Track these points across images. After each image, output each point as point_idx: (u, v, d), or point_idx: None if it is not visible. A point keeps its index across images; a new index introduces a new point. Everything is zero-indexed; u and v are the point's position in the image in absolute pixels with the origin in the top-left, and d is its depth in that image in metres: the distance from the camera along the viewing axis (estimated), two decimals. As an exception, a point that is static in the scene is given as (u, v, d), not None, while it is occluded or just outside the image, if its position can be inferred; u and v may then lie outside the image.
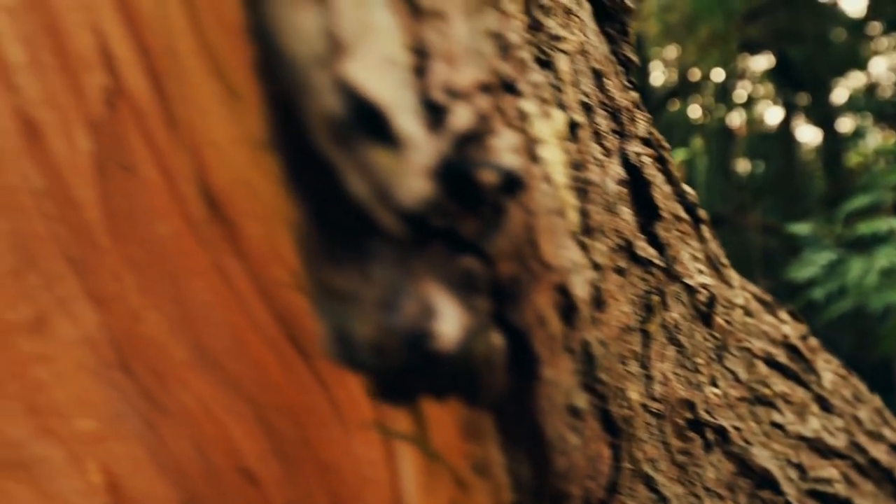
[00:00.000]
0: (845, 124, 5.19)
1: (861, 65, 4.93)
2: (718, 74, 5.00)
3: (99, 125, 0.28)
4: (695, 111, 5.41)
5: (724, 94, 5.40)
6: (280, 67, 0.19)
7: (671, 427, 0.46)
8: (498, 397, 0.26)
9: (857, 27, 4.90)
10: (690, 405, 0.49)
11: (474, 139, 0.24)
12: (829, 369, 0.75)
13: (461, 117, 0.23)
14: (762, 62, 5.42)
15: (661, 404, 0.45)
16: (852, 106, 4.99)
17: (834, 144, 5.36)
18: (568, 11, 0.44)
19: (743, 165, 5.64)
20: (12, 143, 0.27)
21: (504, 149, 0.25)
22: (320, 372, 0.31)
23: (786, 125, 5.65)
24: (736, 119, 5.53)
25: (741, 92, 5.54)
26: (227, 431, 0.31)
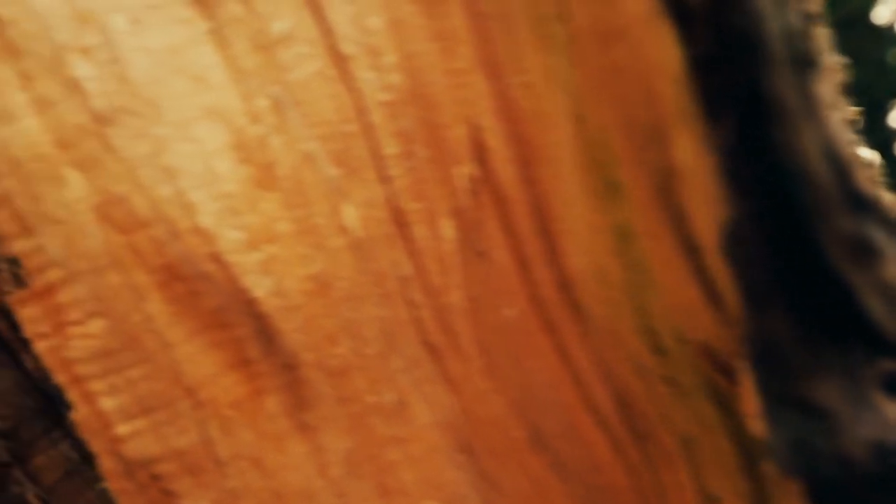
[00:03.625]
0: (905, 148, 5.08)
1: (921, 87, 4.83)
2: (772, 98, 4.94)
3: (461, 213, 0.29)
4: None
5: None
6: (798, 192, 0.19)
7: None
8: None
9: (916, 49, 4.82)
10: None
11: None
12: None
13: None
14: (817, 85, 5.34)
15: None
16: (912, 129, 4.89)
17: (892, 168, 5.26)
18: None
19: (797, 189, 5.54)
20: (384, 231, 0.28)
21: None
22: (651, 455, 0.31)
23: (842, 148, 5.55)
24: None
25: (795, 115, 5.46)
26: (559, 512, 0.31)
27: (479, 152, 0.28)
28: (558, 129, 0.27)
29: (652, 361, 0.30)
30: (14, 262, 0.56)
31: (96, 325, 0.28)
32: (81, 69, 0.26)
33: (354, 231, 0.28)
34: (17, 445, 0.55)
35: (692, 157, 0.23)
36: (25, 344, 0.56)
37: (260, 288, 0.28)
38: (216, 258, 0.28)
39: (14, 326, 0.57)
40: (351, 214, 0.28)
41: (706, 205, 0.24)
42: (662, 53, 0.23)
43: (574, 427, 0.31)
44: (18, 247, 0.28)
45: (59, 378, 0.29)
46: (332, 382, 0.29)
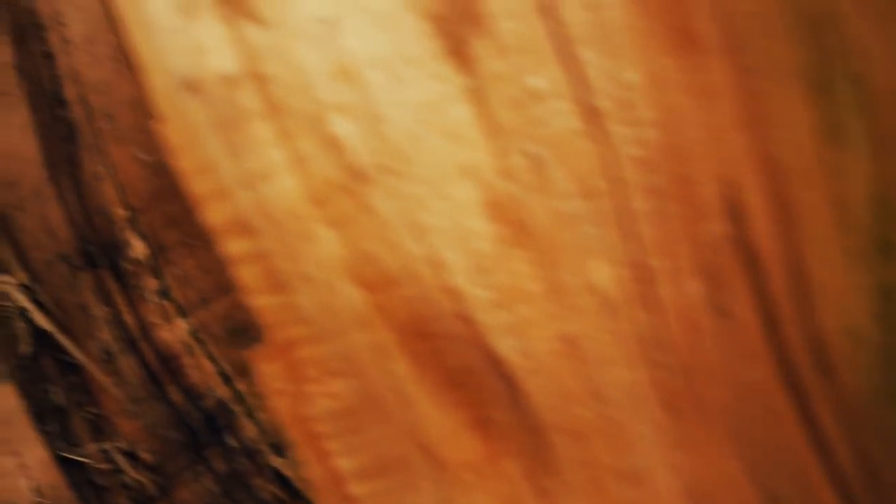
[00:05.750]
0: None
1: None
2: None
3: (709, 271, 0.28)
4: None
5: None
6: None
7: None
8: None
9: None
10: None
11: None
12: None
13: None
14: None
15: None
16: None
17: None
18: None
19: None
20: (630, 289, 0.27)
21: None
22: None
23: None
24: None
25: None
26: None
27: (734, 209, 0.27)
28: (822, 187, 0.26)
29: (906, 428, 0.28)
30: (166, 294, 0.57)
31: (339, 385, 0.28)
32: (340, 126, 0.26)
33: (603, 290, 0.27)
34: (162, 479, 0.56)
35: None
36: (174, 377, 0.56)
37: (507, 348, 0.27)
38: (464, 317, 0.27)
39: (163, 359, 0.57)
40: (600, 273, 0.27)
41: None
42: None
43: (812, 493, 0.30)
44: (260, 302, 0.28)
45: (294, 435, 0.28)
46: (575, 446, 0.28)
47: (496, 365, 0.27)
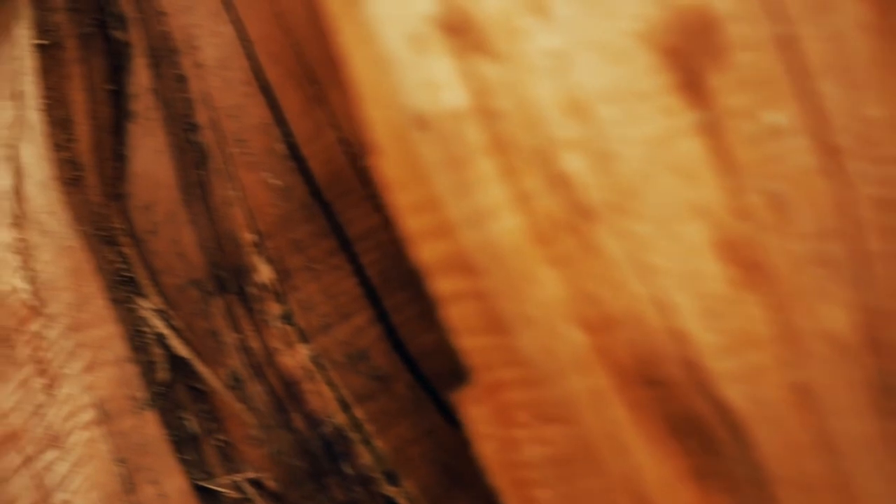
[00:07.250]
0: None
1: None
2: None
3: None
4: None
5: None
6: None
7: None
8: None
9: None
10: None
11: None
12: None
13: None
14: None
15: None
16: None
17: None
18: None
19: None
20: (860, 336, 0.26)
21: None
22: None
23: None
24: None
25: None
26: None
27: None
28: None
29: None
30: (289, 319, 0.56)
31: (553, 431, 0.26)
32: (571, 163, 0.25)
33: (837, 335, 0.26)
34: (285, 508, 0.55)
35: None
36: (296, 403, 0.55)
37: (736, 395, 0.26)
38: (690, 362, 0.26)
39: (286, 385, 0.57)
40: (834, 317, 0.26)
41: None
42: None
43: None
44: (472, 342, 0.27)
45: (500, 481, 0.27)
46: (802, 500, 0.26)
47: (722, 413, 0.26)
